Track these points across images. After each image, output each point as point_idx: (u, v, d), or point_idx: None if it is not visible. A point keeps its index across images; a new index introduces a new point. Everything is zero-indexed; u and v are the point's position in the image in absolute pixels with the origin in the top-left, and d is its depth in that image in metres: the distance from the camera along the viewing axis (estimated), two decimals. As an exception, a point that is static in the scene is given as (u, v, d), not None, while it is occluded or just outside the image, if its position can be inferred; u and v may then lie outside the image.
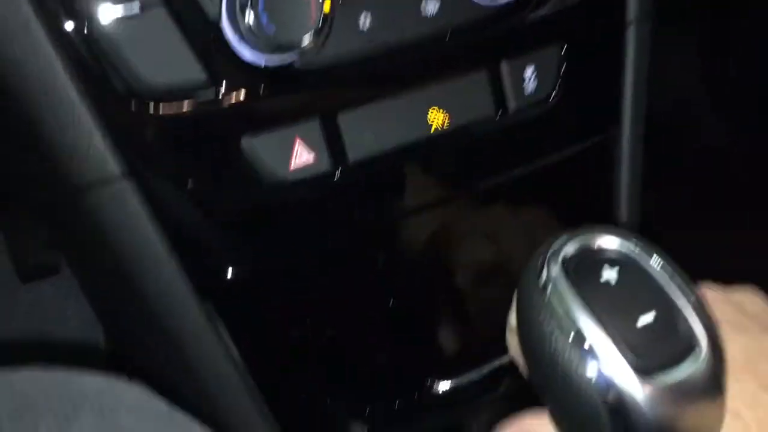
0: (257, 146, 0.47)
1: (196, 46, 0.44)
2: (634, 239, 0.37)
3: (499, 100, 0.54)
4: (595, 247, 0.37)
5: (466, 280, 0.56)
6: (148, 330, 0.49)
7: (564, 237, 0.37)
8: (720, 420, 0.34)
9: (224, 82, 0.45)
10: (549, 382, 0.36)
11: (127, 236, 0.45)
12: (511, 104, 0.54)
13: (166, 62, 0.44)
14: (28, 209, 0.64)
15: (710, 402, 0.34)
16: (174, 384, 0.45)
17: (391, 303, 0.54)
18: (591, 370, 0.33)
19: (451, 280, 0.57)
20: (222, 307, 0.48)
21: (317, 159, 0.48)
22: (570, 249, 0.37)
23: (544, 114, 0.56)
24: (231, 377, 0.49)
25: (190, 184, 0.46)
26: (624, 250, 0.37)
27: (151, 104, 0.44)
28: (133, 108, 0.44)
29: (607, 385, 0.33)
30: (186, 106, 0.45)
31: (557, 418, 0.37)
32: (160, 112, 0.44)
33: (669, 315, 0.34)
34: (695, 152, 0.86)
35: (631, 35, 0.59)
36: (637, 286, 0.35)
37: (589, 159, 0.60)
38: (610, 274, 0.36)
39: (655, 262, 0.36)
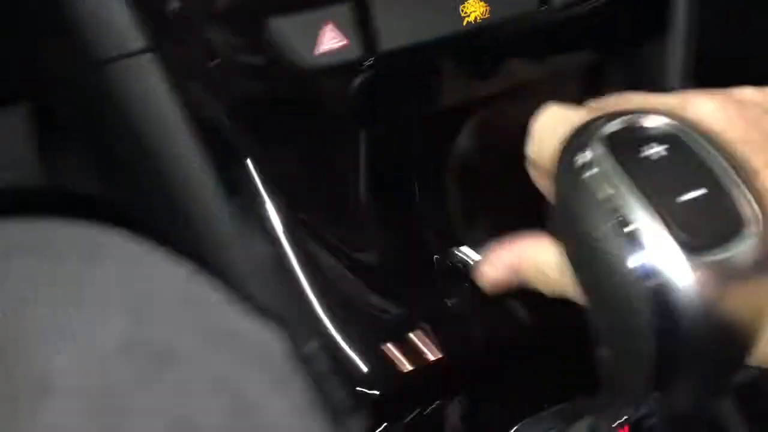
0: (285, 27, 0.45)
1: None
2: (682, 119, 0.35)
3: (543, -9, 0.51)
4: (639, 125, 0.35)
5: (500, 177, 0.54)
6: (168, 214, 0.47)
7: (606, 115, 0.35)
8: None
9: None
10: (584, 262, 0.34)
11: (147, 111, 0.44)
12: (556, -3, 0.51)
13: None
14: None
15: (760, 283, 0.31)
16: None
17: (418, 198, 0.52)
18: (635, 255, 0.31)
19: (483, 178, 0.55)
20: (240, 193, 0.47)
21: (347, 45, 0.46)
22: (612, 127, 0.35)
23: (593, 10, 0.52)
24: (245, 262, 0.48)
25: (212, 63, 0.44)
26: (670, 128, 0.34)
27: (174, -25, 0.42)
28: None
29: (650, 267, 0.31)
30: (210, -21, 0.43)
31: (588, 297, 0.35)
32: (184, -16, 0.42)
33: (718, 192, 0.32)
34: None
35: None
36: (684, 164, 0.33)
37: (637, 61, 0.57)
38: (654, 151, 0.33)
39: (703, 141, 0.33)
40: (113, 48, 0.43)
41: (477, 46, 0.51)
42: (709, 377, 0.35)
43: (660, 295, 0.31)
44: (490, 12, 0.49)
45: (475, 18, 0.49)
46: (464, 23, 0.49)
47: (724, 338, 0.32)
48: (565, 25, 0.52)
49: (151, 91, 0.43)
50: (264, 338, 0.36)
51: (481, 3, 0.49)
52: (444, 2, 0.48)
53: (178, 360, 0.30)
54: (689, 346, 0.32)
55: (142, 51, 0.43)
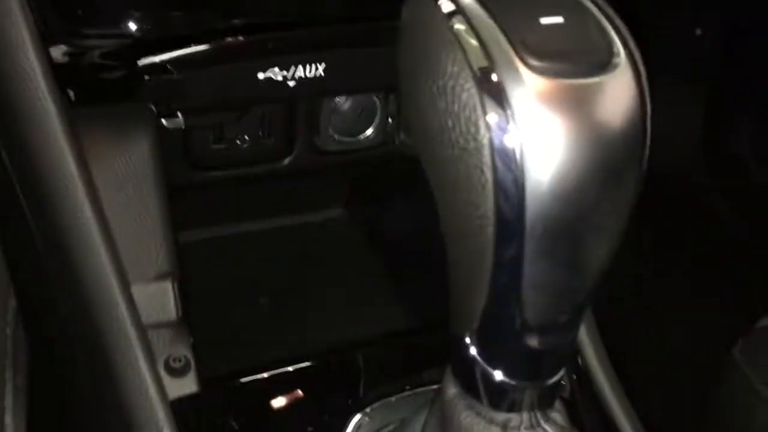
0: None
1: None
2: None
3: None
4: None
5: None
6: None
7: None
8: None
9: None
10: (430, 116, 0.32)
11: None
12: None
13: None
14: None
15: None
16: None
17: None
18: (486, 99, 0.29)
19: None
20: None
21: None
22: None
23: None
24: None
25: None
26: None
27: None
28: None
29: (497, 107, 0.29)
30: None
31: (426, 157, 0.33)
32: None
33: (580, 21, 0.30)
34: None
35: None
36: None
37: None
38: None
39: None
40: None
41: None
42: (556, 242, 0.32)
43: (501, 140, 0.29)
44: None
45: None
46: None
47: (572, 195, 0.30)
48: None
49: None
50: None
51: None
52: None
53: None
54: (530, 200, 0.30)
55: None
